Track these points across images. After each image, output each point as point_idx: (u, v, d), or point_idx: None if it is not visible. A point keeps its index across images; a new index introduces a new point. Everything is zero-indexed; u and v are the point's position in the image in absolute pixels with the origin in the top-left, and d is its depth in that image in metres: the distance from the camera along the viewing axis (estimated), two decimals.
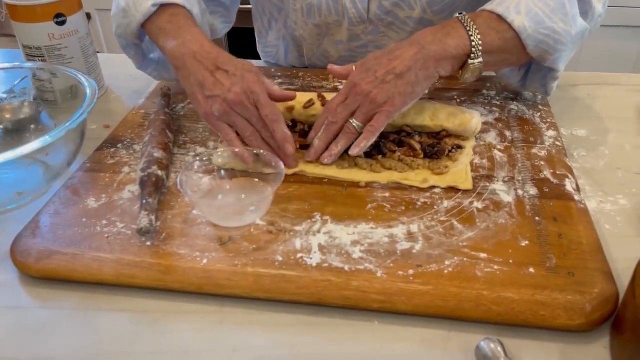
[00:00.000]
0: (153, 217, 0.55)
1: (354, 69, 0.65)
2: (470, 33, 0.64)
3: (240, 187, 0.62)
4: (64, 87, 0.78)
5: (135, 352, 0.46)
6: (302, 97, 0.70)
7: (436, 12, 0.82)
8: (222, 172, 0.62)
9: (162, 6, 0.70)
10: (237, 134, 0.64)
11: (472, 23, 0.65)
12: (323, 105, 0.68)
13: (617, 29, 1.89)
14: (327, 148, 0.64)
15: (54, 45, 0.79)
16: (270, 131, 0.62)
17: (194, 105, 0.66)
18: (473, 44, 0.64)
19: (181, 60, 0.66)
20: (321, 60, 0.93)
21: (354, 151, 0.62)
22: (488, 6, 0.67)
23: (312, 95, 0.70)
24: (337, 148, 0.63)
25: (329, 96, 0.69)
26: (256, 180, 0.62)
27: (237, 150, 0.62)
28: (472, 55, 0.65)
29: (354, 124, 0.63)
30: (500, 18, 0.65)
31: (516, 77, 0.76)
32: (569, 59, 0.71)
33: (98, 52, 0.89)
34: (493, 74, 0.88)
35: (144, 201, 0.56)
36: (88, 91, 0.64)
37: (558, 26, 0.66)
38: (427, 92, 0.80)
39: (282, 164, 0.59)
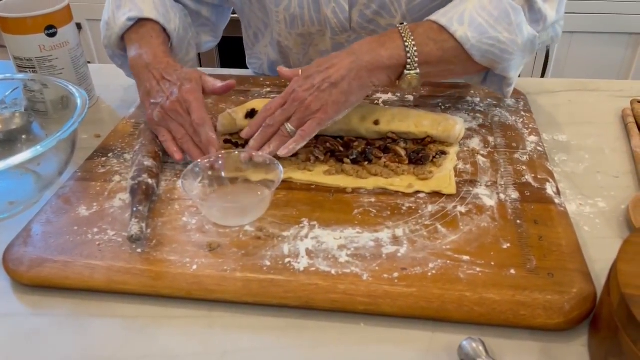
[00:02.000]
0: (144, 225, 0.56)
1: (300, 73, 0.68)
2: (407, 43, 0.65)
3: (239, 190, 0.64)
4: (55, 98, 0.79)
5: (126, 357, 0.47)
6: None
7: (416, 19, 0.83)
8: (212, 178, 0.63)
9: (139, 20, 0.76)
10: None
11: (409, 33, 0.66)
12: None
13: (601, 36, 1.92)
14: (259, 148, 0.66)
15: (45, 57, 0.80)
16: (201, 136, 0.66)
17: (145, 111, 0.72)
18: (408, 54, 0.65)
19: (136, 70, 0.73)
20: None
21: (282, 152, 0.64)
22: (432, 16, 0.69)
23: None
24: (269, 149, 0.65)
25: None
26: (253, 183, 0.63)
27: (170, 150, 0.68)
28: (408, 66, 0.66)
29: (288, 129, 0.65)
30: (442, 28, 0.67)
31: (477, 79, 0.79)
32: (520, 67, 0.74)
33: (89, 63, 0.90)
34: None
35: (135, 209, 0.57)
36: (79, 101, 0.66)
37: (503, 35, 0.67)
38: (412, 98, 0.82)
39: (280, 169, 0.60)
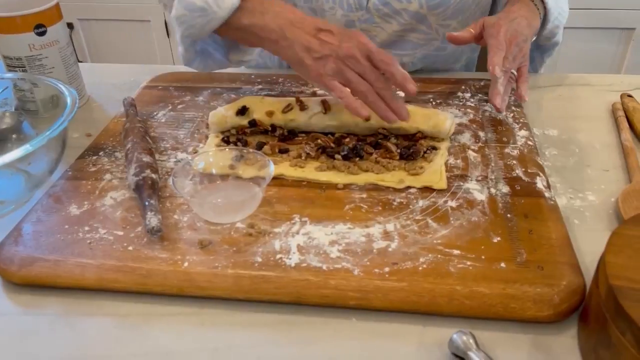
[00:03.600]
0: (160, 216, 0.56)
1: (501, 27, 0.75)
2: (540, 14, 0.80)
3: (230, 187, 0.63)
4: (45, 97, 0.78)
5: (118, 355, 0.47)
6: (280, 103, 0.71)
7: (431, 7, 0.85)
8: (203, 175, 0.63)
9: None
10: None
11: (540, 3, 0.80)
12: (301, 109, 0.70)
13: (593, 31, 1.93)
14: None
15: (35, 56, 0.80)
16: (388, 77, 0.64)
17: (301, 72, 0.68)
18: (540, 20, 0.81)
19: (279, 32, 0.66)
20: None
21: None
22: None
23: (291, 100, 0.71)
24: (505, 101, 0.73)
25: (307, 101, 0.71)
26: (244, 180, 0.63)
27: (354, 105, 0.63)
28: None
29: (514, 72, 0.77)
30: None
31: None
32: None
33: (80, 62, 0.90)
34: (469, 75, 0.90)
35: (147, 203, 0.57)
36: (68, 100, 0.65)
37: (563, 7, 0.83)
38: (403, 95, 0.83)
39: (271, 166, 0.60)
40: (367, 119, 0.66)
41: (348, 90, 0.64)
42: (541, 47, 0.91)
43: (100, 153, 0.71)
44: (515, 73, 0.76)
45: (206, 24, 0.68)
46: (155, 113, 0.81)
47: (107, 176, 0.66)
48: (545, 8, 0.80)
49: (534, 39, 0.84)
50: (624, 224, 0.46)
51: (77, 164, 0.69)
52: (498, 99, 0.71)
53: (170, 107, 0.82)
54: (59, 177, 0.66)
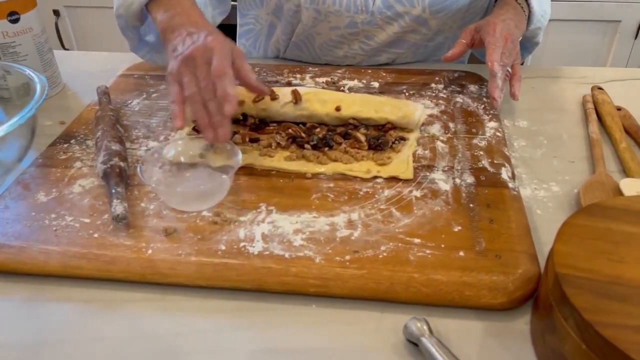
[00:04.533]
0: (126, 204, 0.56)
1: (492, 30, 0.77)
2: (526, 16, 0.82)
3: (199, 175, 0.64)
4: (18, 85, 0.78)
5: (79, 340, 0.47)
6: (251, 93, 0.71)
7: (433, 12, 0.87)
8: (172, 164, 0.64)
9: None
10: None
11: (527, 5, 0.82)
12: (272, 99, 0.70)
13: (578, 24, 1.94)
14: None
15: (8, 43, 0.80)
16: (213, 96, 0.59)
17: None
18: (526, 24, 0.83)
19: (166, 33, 0.67)
20: (305, 42, 0.95)
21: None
22: None
23: None
24: (502, 94, 0.75)
25: (279, 91, 0.71)
26: (213, 169, 0.64)
27: (172, 108, 0.60)
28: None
29: (509, 69, 0.77)
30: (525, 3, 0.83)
31: None
32: None
33: (67, 49, 0.90)
34: (443, 66, 0.91)
35: (113, 190, 0.58)
36: (38, 87, 0.65)
37: (546, 8, 0.85)
38: (377, 85, 0.83)
39: (239, 155, 0.61)
40: (178, 129, 0.64)
41: (180, 97, 0.61)
42: (522, 46, 0.91)
43: (72, 141, 0.71)
44: (510, 70, 0.78)
45: (130, 5, 0.72)
46: (129, 101, 0.81)
47: (77, 164, 0.67)
48: (529, 11, 0.82)
49: None
50: (575, 214, 0.47)
51: (47, 152, 0.69)
52: (497, 92, 0.73)
53: (144, 96, 0.82)
54: (29, 164, 0.67)
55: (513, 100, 0.78)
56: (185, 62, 0.61)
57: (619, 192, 0.60)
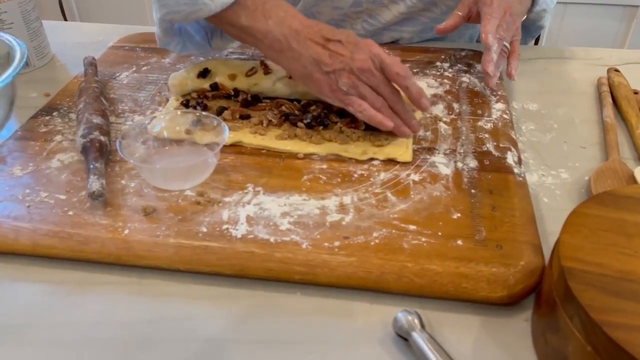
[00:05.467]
0: (103, 181, 0.53)
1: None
2: None
3: (184, 152, 0.60)
4: (2, 53, 0.74)
5: (45, 325, 0.44)
6: (244, 66, 0.67)
7: None
8: (158, 139, 0.60)
9: None
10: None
11: None
12: (265, 73, 0.66)
13: (595, 7, 1.87)
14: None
15: None
16: (402, 90, 0.60)
17: (310, 86, 0.62)
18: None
19: (284, 42, 0.60)
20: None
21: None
22: None
23: (255, 64, 0.68)
24: (498, 72, 0.68)
25: (272, 64, 0.67)
26: (197, 145, 0.60)
27: (378, 117, 0.59)
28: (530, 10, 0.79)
29: (507, 46, 0.70)
30: None
31: None
32: None
33: (67, 21, 0.86)
34: (450, 45, 0.86)
35: (91, 166, 0.55)
36: (17, 55, 0.62)
37: None
38: None
39: (226, 132, 0.57)
40: (391, 129, 0.60)
41: (367, 104, 0.59)
42: (525, 29, 0.85)
43: (54, 113, 0.68)
44: (508, 46, 0.71)
45: (192, 13, 0.61)
46: (118, 74, 0.77)
47: (58, 137, 0.63)
48: None
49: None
50: (584, 202, 0.43)
51: (28, 124, 0.66)
52: (491, 66, 0.66)
53: (134, 69, 0.78)
54: (8, 137, 0.63)
55: (509, 79, 0.71)
56: (358, 74, 0.59)
57: (633, 180, 0.56)
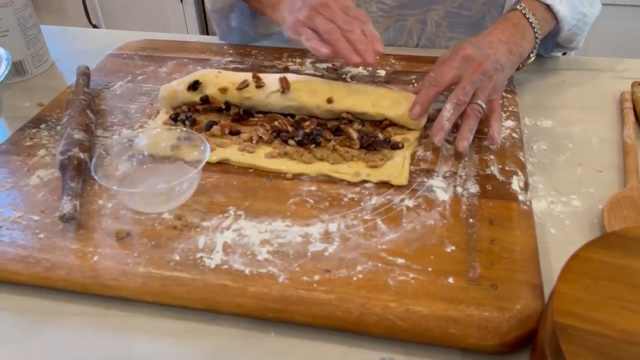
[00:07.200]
0: (77, 202, 0.51)
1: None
2: (536, 33, 0.66)
3: (166, 169, 0.57)
4: None
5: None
6: (235, 78, 0.64)
7: None
8: (142, 155, 0.57)
9: None
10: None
11: (536, 21, 0.65)
12: (257, 87, 0.63)
13: (630, 9, 1.78)
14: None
15: None
16: (355, 29, 0.60)
17: (283, 28, 0.67)
18: (536, 43, 0.66)
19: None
20: None
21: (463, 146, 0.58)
22: None
23: (247, 76, 0.64)
24: (470, 134, 0.58)
25: (265, 77, 0.64)
26: (180, 162, 0.57)
27: (314, 45, 0.61)
28: (531, 54, 0.67)
29: (483, 106, 0.59)
30: (548, 8, 0.67)
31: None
32: None
33: (95, 27, 0.84)
34: None
35: (66, 185, 0.52)
36: (2, 64, 0.60)
37: (587, 9, 0.71)
38: (383, 74, 0.75)
39: (207, 149, 0.54)
40: (327, 57, 0.61)
41: (315, 34, 0.61)
42: (557, 49, 0.79)
43: (42, 126, 0.66)
44: (483, 106, 0.59)
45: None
46: (112, 83, 0.75)
47: (41, 152, 0.61)
48: (556, 18, 0.68)
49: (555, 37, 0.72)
50: (589, 244, 0.38)
51: (14, 137, 0.64)
52: (439, 135, 0.58)
53: (129, 78, 0.76)
54: None
55: (493, 144, 0.60)
56: (318, 8, 0.62)
57: None
